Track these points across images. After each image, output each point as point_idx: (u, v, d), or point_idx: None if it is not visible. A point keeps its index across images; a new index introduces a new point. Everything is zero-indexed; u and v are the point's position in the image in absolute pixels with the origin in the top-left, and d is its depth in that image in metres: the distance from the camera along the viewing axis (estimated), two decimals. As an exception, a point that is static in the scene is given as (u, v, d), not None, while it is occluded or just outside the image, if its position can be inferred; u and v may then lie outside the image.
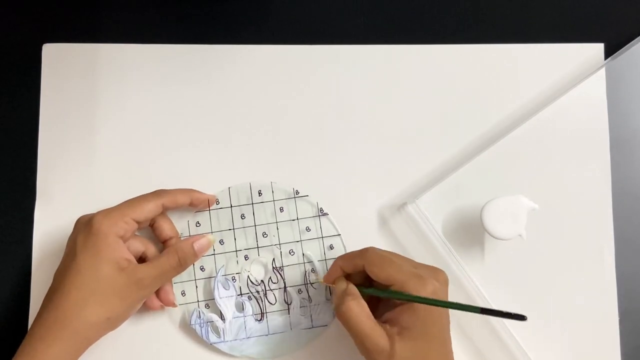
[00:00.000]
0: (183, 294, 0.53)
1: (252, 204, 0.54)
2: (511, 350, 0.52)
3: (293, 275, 0.53)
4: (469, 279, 0.52)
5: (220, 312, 0.52)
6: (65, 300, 0.46)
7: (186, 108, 0.56)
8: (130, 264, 0.48)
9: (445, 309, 0.46)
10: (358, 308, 0.45)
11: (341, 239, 0.54)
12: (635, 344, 0.53)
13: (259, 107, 0.56)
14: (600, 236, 0.54)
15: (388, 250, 0.49)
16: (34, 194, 0.55)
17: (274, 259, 0.53)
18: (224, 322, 0.52)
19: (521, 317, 0.40)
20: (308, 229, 0.54)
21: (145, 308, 0.52)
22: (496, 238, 0.50)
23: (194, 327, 0.52)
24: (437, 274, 0.46)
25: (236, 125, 0.55)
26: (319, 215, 0.54)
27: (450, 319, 0.46)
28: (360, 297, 0.47)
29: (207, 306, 0.53)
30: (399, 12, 0.57)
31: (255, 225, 0.54)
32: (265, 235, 0.54)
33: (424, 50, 0.56)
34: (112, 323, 0.48)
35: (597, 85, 0.55)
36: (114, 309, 0.47)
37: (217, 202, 0.54)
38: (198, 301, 0.53)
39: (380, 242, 0.54)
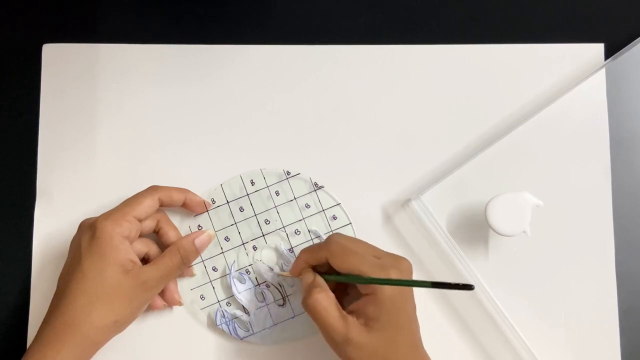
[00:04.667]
0: (202, 297, 0.53)
1: (248, 194, 0.54)
2: (514, 346, 0.52)
3: None
4: (473, 275, 0.53)
5: (243, 307, 0.53)
6: (72, 305, 0.46)
7: (186, 108, 0.56)
8: (135, 265, 0.48)
9: (410, 297, 0.46)
10: (326, 300, 0.45)
11: (342, 208, 0.54)
12: (635, 343, 0.53)
13: (260, 107, 0.56)
14: (600, 235, 0.54)
15: (355, 238, 0.49)
16: (34, 194, 0.55)
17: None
18: (249, 315, 0.53)
19: (469, 287, 0.39)
20: (307, 206, 0.54)
21: (151, 309, 0.52)
22: (500, 234, 0.50)
23: (220, 327, 0.52)
24: (399, 263, 0.46)
25: (237, 126, 0.55)
26: (315, 190, 0.54)
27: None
28: (328, 289, 0.47)
29: (228, 304, 0.53)
30: (399, 12, 0.57)
31: (255, 215, 0.54)
32: (267, 222, 0.54)
33: (424, 50, 0.56)
34: (119, 326, 0.48)
35: (597, 86, 0.55)
36: (121, 312, 0.47)
37: (214, 202, 0.54)
38: (219, 301, 0.53)
39: (384, 238, 0.54)
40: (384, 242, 0.54)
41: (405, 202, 0.54)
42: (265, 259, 0.54)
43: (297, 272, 0.50)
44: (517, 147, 0.54)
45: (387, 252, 0.47)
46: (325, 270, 0.49)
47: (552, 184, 0.54)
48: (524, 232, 0.49)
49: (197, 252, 0.51)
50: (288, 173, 0.54)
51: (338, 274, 0.48)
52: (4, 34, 0.56)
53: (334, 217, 0.54)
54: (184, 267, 0.50)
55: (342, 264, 0.46)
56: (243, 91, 0.56)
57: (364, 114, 0.55)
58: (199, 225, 0.54)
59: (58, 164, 0.55)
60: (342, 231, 0.54)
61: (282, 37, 0.56)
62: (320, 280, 0.47)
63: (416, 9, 0.57)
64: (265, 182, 0.54)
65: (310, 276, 0.48)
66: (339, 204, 0.54)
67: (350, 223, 0.54)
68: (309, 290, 0.46)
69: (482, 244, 0.54)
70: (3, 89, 0.56)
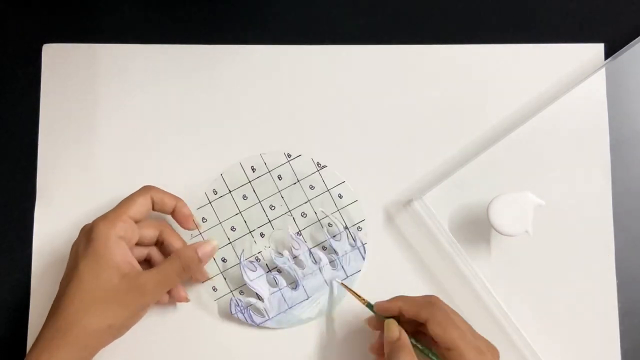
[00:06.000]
0: (214, 289, 0.53)
1: (250, 181, 0.54)
2: (516, 345, 0.52)
3: (313, 235, 0.54)
4: (475, 275, 0.53)
5: (256, 294, 0.53)
6: (67, 308, 0.46)
7: (186, 108, 0.56)
8: (133, 268, 0.48)
9: None
10: None
11: (347, 185, 0.54)
12: (636, 343, 0.53)
13: (260, 107, 0.56)
14: (601, 235, 0.54)
15: (453, 309, 0.48)
16: (34, 194, 0.55)
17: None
18: (263, 301, 0.53)
19: None
20: (312, 187, 0.54)
21: (157, 304, 0.52)
22: (502, 234, 0.50)
23: (236, 315, 0.52)
24: (493, 351, 0.46)
25: (237, 126, 0.55)
26: (318, 170, 0.54)
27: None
28: (413, 353, 0.45)
29: (241, 292, 0.53)
30: (399, 12, 0.57)
31: (260, 201, 0.54)
32: (272, 208, 0.54)
33: (424, 50, 0.56)
34: (114, 331, 0.47)
35: (597, 86, 0.55)
36: (115, 317, 0.46)
37: (215, 193, 0.54)
38: (232, 291, 0.53)
39: (387, 239, 0.54)
40: (386, 243, 0.54)
41: (407, 203, 0.54)
42: (274, 244, 0.54)
43: (385, 313, 0.48)
44: (518, 147, 0.54)
45: (480, 335, 0.47)
46: (406, 321, 0.48)
47: (553, 184, 0.54)
48: (526, 232, 0.49)
49: (200, 261, 0.50)
50: (289, 155, 0.54)
51: (418, 329, 0.47)
52: (4, 34, 0.56)
53: (340, 196, 0.54)
54: (184, 276, 0.49)
55: (444, 334, 0.45)
56: (243, 91, 0.56)
57: (364, 115, 0.55)
58: (203, 218, 0.54)
59: (58, 164, 0.55)
60: (351, 208, 0.54)
61: (282, 37, 0.56)
62: (406, 340, 0.46)
63: (416, 9, 0.57)
64: (266, 167, 0.54)
65: (395, 331, 0.47)
66: (343, 181, 0.54)
67: (357, 200, 0.54)
68: (394, 351, 0.45)
69: (484, 244, 0.54)
70: (3, 89, 0.56)
